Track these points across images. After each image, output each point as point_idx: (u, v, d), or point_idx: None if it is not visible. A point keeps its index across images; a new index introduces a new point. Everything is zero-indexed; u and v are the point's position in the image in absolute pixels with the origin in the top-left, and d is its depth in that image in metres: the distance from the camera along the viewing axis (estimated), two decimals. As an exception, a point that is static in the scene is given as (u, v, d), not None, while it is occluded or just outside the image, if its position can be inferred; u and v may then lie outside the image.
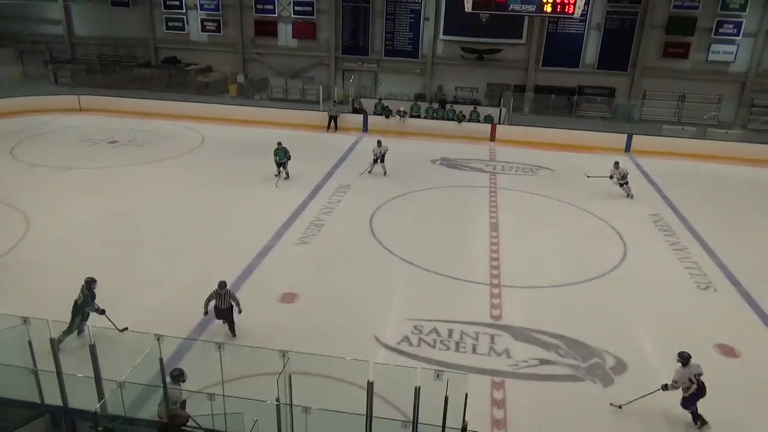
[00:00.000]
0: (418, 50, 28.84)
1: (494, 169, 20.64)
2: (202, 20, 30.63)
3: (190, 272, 12.37)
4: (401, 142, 23.66)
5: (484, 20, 26.51)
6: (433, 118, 25.51)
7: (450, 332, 10.50)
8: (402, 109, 25.31)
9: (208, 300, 9.92)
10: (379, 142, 19.53)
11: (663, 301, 11.93)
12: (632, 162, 22.21)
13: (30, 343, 7.30)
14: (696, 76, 27.39)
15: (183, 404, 7.35)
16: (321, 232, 14.63)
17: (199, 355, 9.21)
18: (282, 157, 18.24)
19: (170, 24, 31.06)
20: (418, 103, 26.59)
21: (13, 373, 7.15)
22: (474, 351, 10.04)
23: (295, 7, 29.26)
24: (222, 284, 9.94)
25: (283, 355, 6.81)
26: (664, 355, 9.83)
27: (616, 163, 18.33)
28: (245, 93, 29.30)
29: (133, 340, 7.96)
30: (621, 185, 18.05)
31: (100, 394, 7.21)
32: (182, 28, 31.04)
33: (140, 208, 15.74)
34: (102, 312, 9.65)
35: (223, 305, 9.96)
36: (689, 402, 8.38)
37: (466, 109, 25.46)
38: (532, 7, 13.26)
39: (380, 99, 26.51)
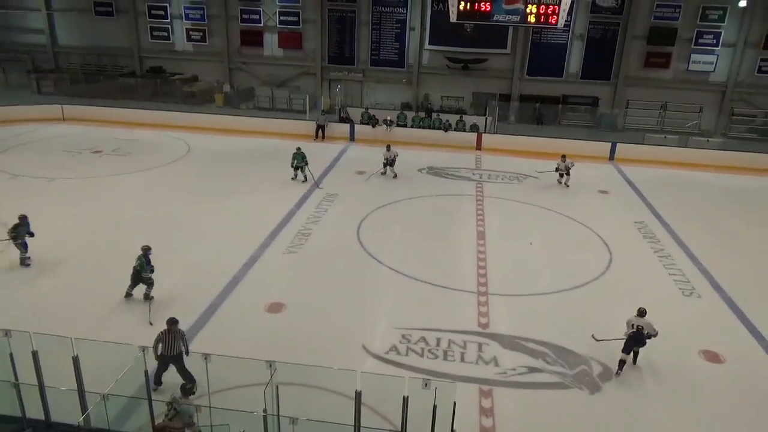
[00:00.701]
0: (404, 60, 29.00)
1: (480, 177, 20.76)
2: (188, 30, 30.55)
3: (175, 283, 12.24)
4: (388, 151, 23.73)
5: (468, 30, 26.78)
6: (419, 127, 25.63)
7: (438, 341, 10.50)
8: (389, 118, 25.40)
9: (157, 342, 8.42)
10: (388, 147, 20.17)
11: (648, 308, 12.01)
12: (616, 170, 22.46)
13: (11, 355, 7.18)
14: (677, 86, 27.85)
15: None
16: (308, 242, 14.58)
17: (187, 364, 9.09)
18: (300, 161, 18.75)
19: (155, 33, 30.93)
20: (404, 112, 26.69)
21: (-7, 387, 7.03)
22: (462, 359, 10.03)
23: (281, 17, 29.31)
24: (172, 321, 8.52)
25: (270, 366, 6.77)
26: (650, 361, 9.92)
27: (563, 157, 19.81)
28: (231, 102, 29.24)
29: (117, 351, 7.84)
30: (561, 174, 19.71)
31: (84, 407, 7.09)
32: (167, 38, 30.93)
33: (124, 219, 15.57)
34: (150, 283, 11.28)
35: (172, 351, 8.38)
36: (627, 346, 9.69)
37: (453, 118, 25.62)
38: (516, 18, 13.38)
39: (367, 108, 26.57)
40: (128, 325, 10.57)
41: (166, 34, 30.87)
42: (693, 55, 27.37)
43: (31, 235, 12.67)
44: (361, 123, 25.48)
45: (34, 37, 32.14)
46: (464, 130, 25.18)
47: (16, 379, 7.18)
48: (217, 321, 10.88)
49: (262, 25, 29.66)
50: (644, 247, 15.28)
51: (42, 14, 31.40)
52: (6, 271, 12.46)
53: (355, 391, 6.53)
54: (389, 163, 19.99)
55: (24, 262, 12.62)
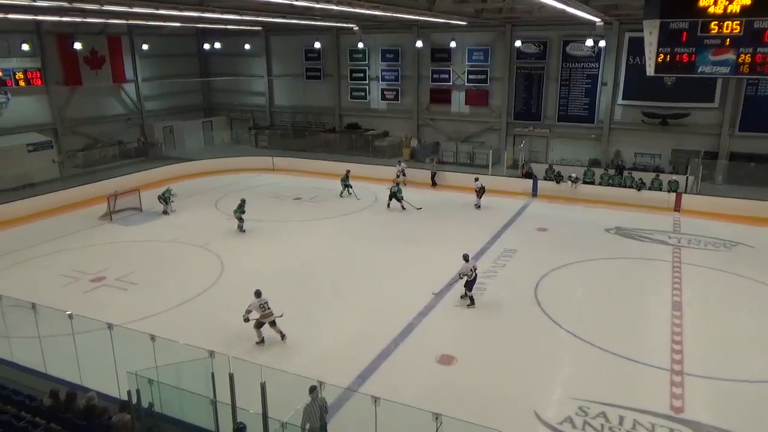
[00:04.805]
0: (594, 115, 27.82)
1: (679, 242, 18.74)
2: (383, 90, 33.02)
3: (354, 325, 12.90)
4: (572, 209, 22.73)
5: (669, 83, 24.93)
6: (608, 185, 24.18)
7: (621, 419, 9.49)
8: (574, 174, 24.43)
9: (306, 416, 8.11)
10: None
11: None
12: None
13: (213, 375, 8.09)
14: None
15: None
16: (483, 296, 14.38)
17: (356, 406, 9.42)
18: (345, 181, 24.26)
19: (354, 94, 33.96)
20: (592, 168, 25.47)
21: (195, 401, 7.95)
22: (649, 444, 8.93)
23: (470, 76, 30.21)
24: (313, 389, 8.27)
25: (437, 419, 6.71)
26: None
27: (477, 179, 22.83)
28: (417, 156, 30.58)
29: (298, 383, 8.42)
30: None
31: (266, 430, 7.67)
32: (364, 98, 33.73)
33: (315, 260, 16.98)
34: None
35: (317, 421, 8.15)
36: (470, 286, 13.67)
37: (647, 177, 23.74)
38: (725, 69, 12.00)
39: (551, 164, 25.89)
40: (304, 359, 11.33)
41: (363, 94, 33.71)
42: None
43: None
44: (545, 179, 24.86)
45: (257, 99, 37.37)
46: (660, 190, 23.14)
47: (215, 396, 8.05)
48: (390, 366, 11.15)
49: (451, 83, 30.87)
50: None
51: (264, 80, 36.50)
52: (215, 301, 14.25)
53: (524, 460, 6.15)
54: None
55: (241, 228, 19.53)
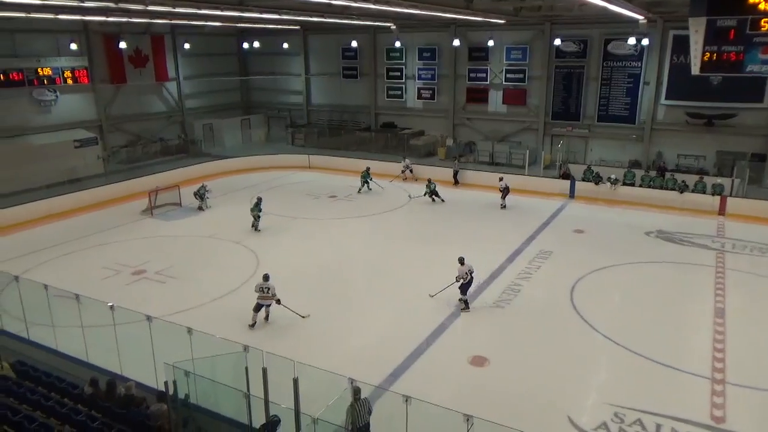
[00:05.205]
0: (636, 115, 27.13)
1: (723, 246, 18.12)
2: (419, 89, 32.93)
3: (386, 324, 12.92)
4: (611, 211, 22.24)
5: (715, 83, 24.13)
6: (649, 187, 23.57)
7: (658, 428, 9.25)
8: (613, 176, 23.90)
9: (348, 417, 8.14)
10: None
11: None
12: None
13: (246, 369, 8.22)
14: None
15: None
16: (517, 298, 14.22)
17: (387, 404, 9.42)
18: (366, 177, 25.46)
19: (390, 92, 33.98)
20: (632, 170, 24.87)
21: (229, 393, 8.08)
22: (687, 454, 8.68)
23: (507, 75, 29.86)
24: (357, 390, 8.26)
25: (468, 420, 6.66)
26: None
27: (501, 178, 22.51)
28: (452, 156, 30.38)
29: (330, 379, 8.49)
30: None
31: (297, 426, 7.76)
32: (401, 96, 33.71)
33: (348, 258, 17.07)
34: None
35: (361, 420, 8.18)
36: (464, 289, 13.32)
37: (690, 179, 23.05)
38: (776, 67, 11.53)
39: (590, 165, 25.40)
40: (336, 357, 11.39)
41: (399, 92, 33.70)
42: None
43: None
44: (583, 180, 24.39)
45: (294, 97, 37.80)
46: (704, 192, 22.43)
47: (248, 390, 8.17)
48: (421, 365, 11.13)
49: (488, 82, 30.57)
50: None
51: (302, 79, 36.87)
52: (250, 297, 14.47)
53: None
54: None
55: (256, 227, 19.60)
